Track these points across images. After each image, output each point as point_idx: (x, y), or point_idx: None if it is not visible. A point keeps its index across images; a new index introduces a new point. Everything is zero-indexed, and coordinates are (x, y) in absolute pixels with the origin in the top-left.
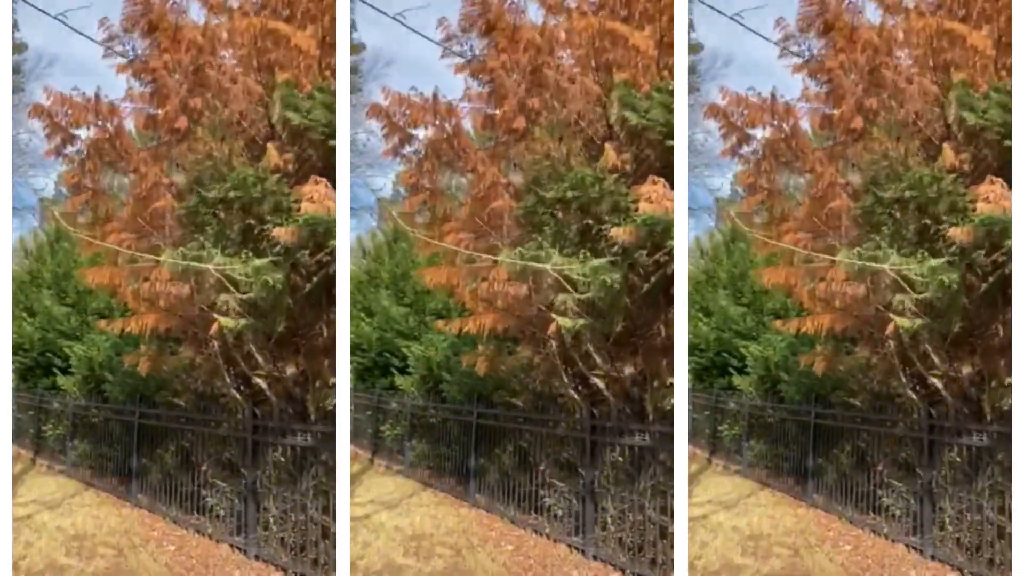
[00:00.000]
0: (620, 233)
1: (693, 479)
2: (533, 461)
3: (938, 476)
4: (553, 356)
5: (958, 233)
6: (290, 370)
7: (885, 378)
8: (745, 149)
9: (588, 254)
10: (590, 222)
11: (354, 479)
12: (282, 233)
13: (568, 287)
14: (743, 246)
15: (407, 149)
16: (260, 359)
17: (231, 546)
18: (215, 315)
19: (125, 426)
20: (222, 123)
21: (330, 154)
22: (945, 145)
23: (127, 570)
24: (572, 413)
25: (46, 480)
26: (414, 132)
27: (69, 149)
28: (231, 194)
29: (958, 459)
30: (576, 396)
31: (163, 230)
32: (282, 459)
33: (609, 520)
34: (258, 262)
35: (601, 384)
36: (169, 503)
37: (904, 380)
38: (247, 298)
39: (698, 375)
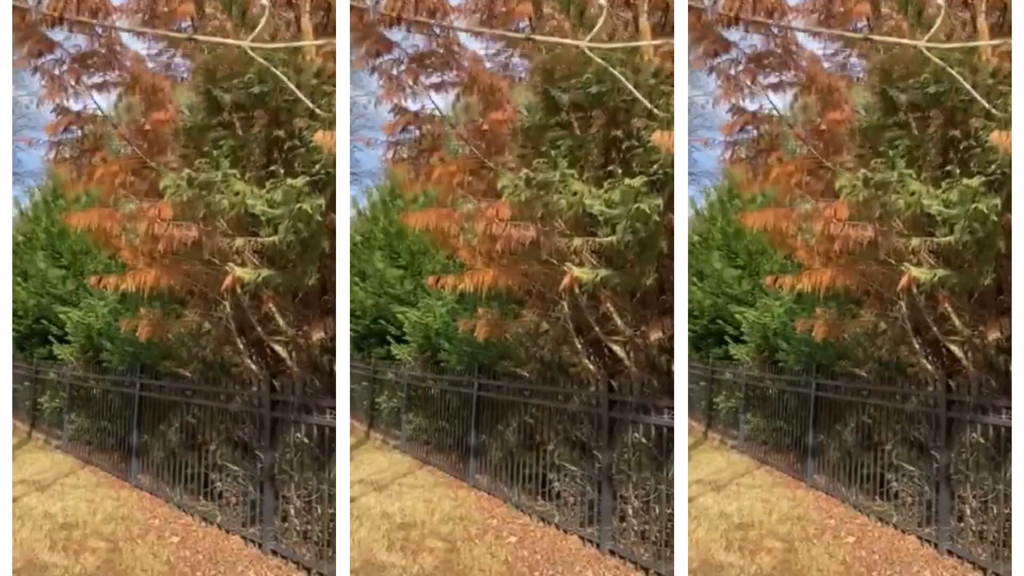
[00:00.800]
0: (662, 140)
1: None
2: (541, 439)
3: (957, 459)
4: (565, 319)
5: (1000, 139)
6: (317, 335)
7: (895, 345)
8: (722, 58)
9: (620, 173)
10: (619, 134)
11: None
12: (325, 139)
13: (588, 225)
14: (738, 202)
15: (383, 58)
16: (281, 321)
17: (244, 539)
18: (229, 266)
19: (125, 399)
20: (240, 2)
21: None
22: (980, 21)
23: (121, 569)
24: (586, 385)
25: (39, 457)
26: (390, 35)
27: (46, 58)
28: (254, 90)
29: (981, 440)
30: (591, 366)
31: (164, 153)
32: (305, 440)
33: (630, 511)
34: (290, 182)
35: (621, 352)
36: (173, 485)
37: (917, 347)
38: (271, 242)
39: (693, 344)
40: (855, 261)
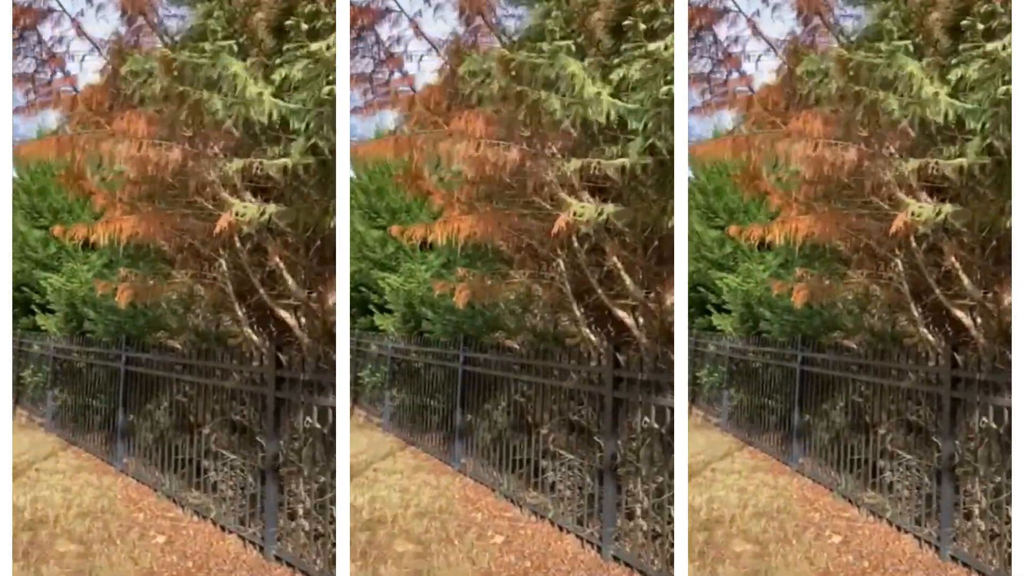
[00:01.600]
0: None
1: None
2: (533, 421)
3: (963, 448)
4: (561, 279)
5: None
6: (333, 298)
7: (890, 311)
8: None
9: (641, 33)
10: None
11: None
12: None
13: (589, 141)
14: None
15: None
16: (290, 280)
17: (242, 539)
18: (223, 199)
19: (110, 373)
20: None
21: None
22: None
23: None
24: (586, 360)
25: (19, 438)
26: None
27: None
28: None
29: (993, 425)
30: (592, 336)
31: (137, 34)
32: (317, 425)
33: (639, 509)
34: (314, 49)
35: (629, 319)
36: (163, 471)
37: (916, 313)
38: (282, 165)
39: None
40: (840, 208)
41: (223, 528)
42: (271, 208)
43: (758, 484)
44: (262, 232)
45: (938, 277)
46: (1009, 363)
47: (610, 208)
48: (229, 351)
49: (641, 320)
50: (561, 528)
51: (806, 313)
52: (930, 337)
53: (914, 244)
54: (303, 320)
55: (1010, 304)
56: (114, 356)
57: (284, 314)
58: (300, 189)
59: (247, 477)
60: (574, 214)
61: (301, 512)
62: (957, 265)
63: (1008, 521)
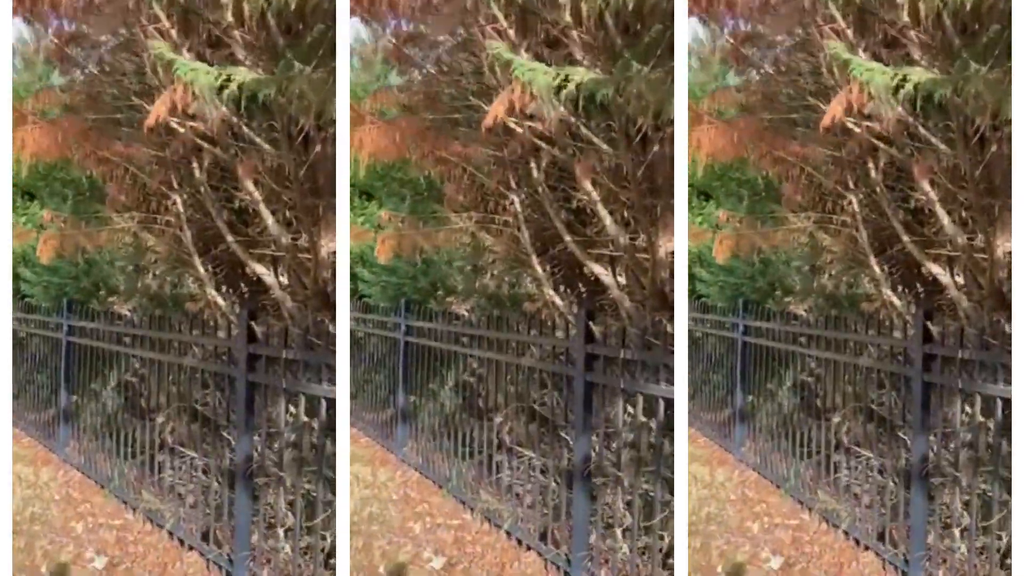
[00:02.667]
0: None
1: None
2: (486, 406)
3: (941, 446)
4: (517, 221)
5: None
6: (330, 244)
7: (845, 266)
8: None
9: None
10: None
11: None
12: None
13: None
14: None
15: None
16: (269, 218)
17: (205, 559)
18: (160, 59)
19: (51, 345)
20: None
21: None
22: None
23: None
24: (550, 330)
25: None
26: None
27: None
28: None
29: (981, 418)
30: (557, 299)
31: None
32: (305, 418)
33: (619, 530)
34: None
35: (608, 276)
36: (112, 458)
37: (878, 270)
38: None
39: None
40: (766, 116)
41: (182, 542)
42: (240, 76)
43: (688, 481)
44: (229, 147)
45: (905, 218)
46: (1006, 336)
47: (579, 75)
48: (188, 318)
49: (623, 277)
50: (520, 542)
51: (748, 273)
52: (895, 300)
53: (873, 172)
54: (284, 276)
55: (1008, 253)
56: (55, 325)
57: (259, 268)
58: (287, 53)
59: (212, 481)
60: (520, 91)
61: (282, 531)
62: (932, 195)
63: (999, 539)
